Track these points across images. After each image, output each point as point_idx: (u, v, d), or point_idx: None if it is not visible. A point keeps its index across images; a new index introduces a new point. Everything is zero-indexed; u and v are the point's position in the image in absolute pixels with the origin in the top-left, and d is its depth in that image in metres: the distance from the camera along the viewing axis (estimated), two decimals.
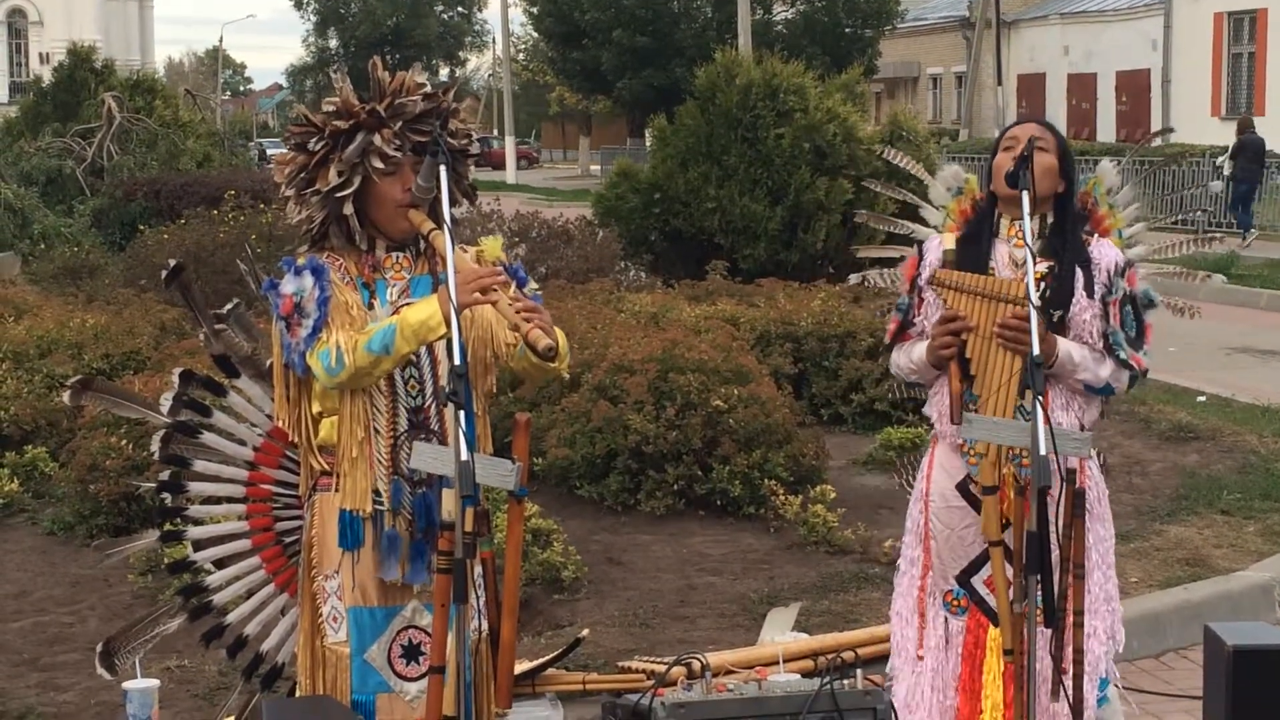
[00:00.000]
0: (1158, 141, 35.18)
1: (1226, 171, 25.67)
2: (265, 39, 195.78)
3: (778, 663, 5.47)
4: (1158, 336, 4.53)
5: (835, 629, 6.17)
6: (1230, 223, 24.78)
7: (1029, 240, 4.16)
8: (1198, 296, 5.18)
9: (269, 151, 42.00)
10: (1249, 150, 25.36)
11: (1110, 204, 4.79)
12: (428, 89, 4.03)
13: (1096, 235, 4.57)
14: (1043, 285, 4.32)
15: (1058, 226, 4.43)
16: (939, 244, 4.54)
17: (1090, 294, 4.36)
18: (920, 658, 4.55)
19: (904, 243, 5.30)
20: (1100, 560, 4.48)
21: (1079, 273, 4.37)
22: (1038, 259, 4.32)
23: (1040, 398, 3.94)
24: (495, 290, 3.81)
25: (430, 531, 4.00)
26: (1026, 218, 4.18)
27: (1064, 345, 4.32)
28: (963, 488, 4.44)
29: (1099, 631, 4.46)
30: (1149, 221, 4.92)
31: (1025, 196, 4.20)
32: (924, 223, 5.03)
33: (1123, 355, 4.37)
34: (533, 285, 4.16)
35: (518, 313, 3.80)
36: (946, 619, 4.50)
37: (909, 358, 4.53)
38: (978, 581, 4.44)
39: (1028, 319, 4.16)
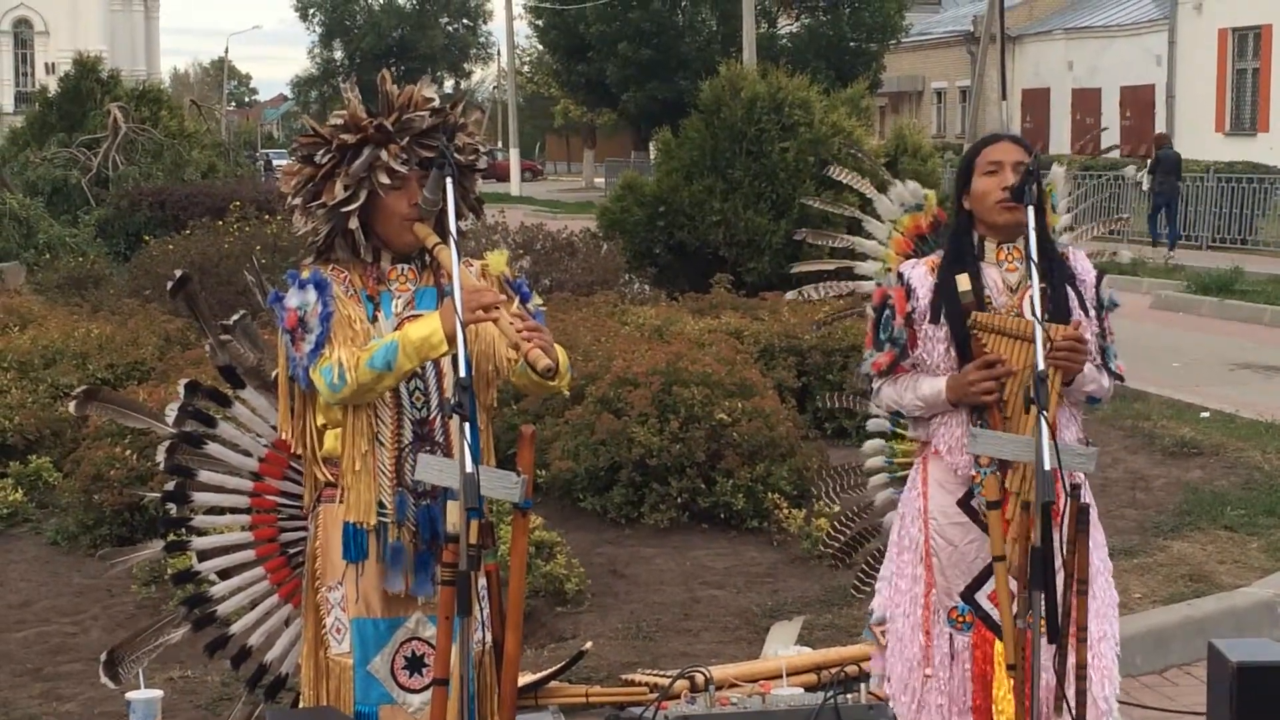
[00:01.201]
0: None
1: (1145, 186, 26.32)
2: (270, 50, 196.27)
3: (781, 676, 5.47)
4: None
5: (839, 643, 6.16)
6: (1159, 234, 25.45)
7: (1032, 255, 4.15)
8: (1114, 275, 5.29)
9: (275, 163, 42.05)
10: (1165, 165, 26.10)
11: (1052, 205, 4.87)
12: (436, 103, 4.04)
13: (1069, 248, 4.62)
14: (1043, 308, 4.33)
15: (1040, 245, 4.42)
16: (924, 273, 4.49)
17: (1086, 311, 4.38)
18: (928, 676, 4.53)
19: (845, 256, 5.36)
20: (1102, 566, 4.48)
21: (1070, 290, 4.39)
22: (1029, 281, 4.33)
23: (1045, 413, 3.94)
24: (497, 308, 3.81)
25: (434, 543, 4.00)
26: (1031, 232, 4.17)
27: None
28: (964, 503, 4.43)
29: (1109, 636, 4.46)
30: (1075, 212, 5.03)
31: (1031, 211, 4.19)
32: (867, 235, 5.06)
33: (1112, 366, 4.44)
34: (536, 301, 4.17)
35: (518, 332, 3.80)
36: (951, 636, 4.48)
37: (915, 394, 4.42)
38: (981, 596, 4.43)
39: (1076, 339, 4.19)
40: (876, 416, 5.41)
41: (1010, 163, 4.33)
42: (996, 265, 4.41)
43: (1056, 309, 4.34)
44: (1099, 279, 4.47)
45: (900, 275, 4.53)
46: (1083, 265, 4.48)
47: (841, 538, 5.85)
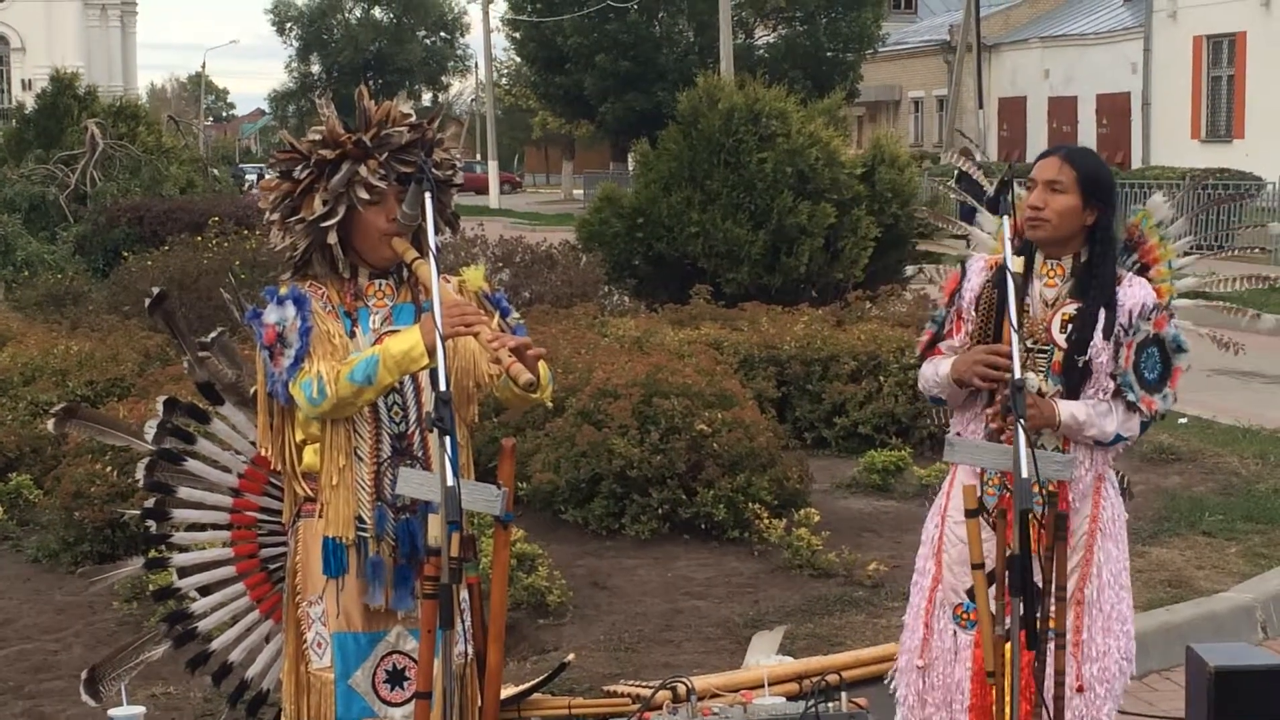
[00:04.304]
0: (1138, 164, 35.37)
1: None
2: (248, 64, 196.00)
3: (763, 686, 5.48)
4: None
5: (820, 652, 6.18)
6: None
7: (1009, 266, 4.16)
8: (1240, 326, 5.17)
9: (267, 175, 41.99)
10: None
11: (1161, 235, 4.79)
12: (413, 119, 4.05)
13: (1131, 274, 4.53)
14: (1069, 328, 4.32)
15: (1088, 265, 4.39)
16: (982, 266, 4.51)
17: (1107, 337, 4.33)
18: (920, 667, 4.57)
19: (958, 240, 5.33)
20: (1112, 580, 4.47)
21: (1102, 315, 4.34)
22: (1068, 299, 4.33)
23: (1022, 421, 3.96)
24: (478, 323, 3.83)
25: (414, 558, 4.01)
26: (1007, 244, 4.18)
27: (1065, 409, 4.30)
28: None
29: (1113, 650, 4.47)
30: (1201, 255, 4.93)
31: (1006, 222, 4.21)
32: (980, 227, 5.03)
33: (1131, 398, 4.33)
34: (515, 315, 4.18)
35: (499, 347, 3.81)
36: (955, 632, 4.51)
37: (936, 371, 4.47)
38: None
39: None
40: None
41: (1043, 181, 4.34)
42: (1040, 278, 4.41)
43: (1082, 330, 4.33)
44: (1149, 313, 4.37)
45: (963, 263, 4.60)
46: (1128, 293, 4.39)
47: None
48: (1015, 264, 4.20)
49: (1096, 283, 4.37)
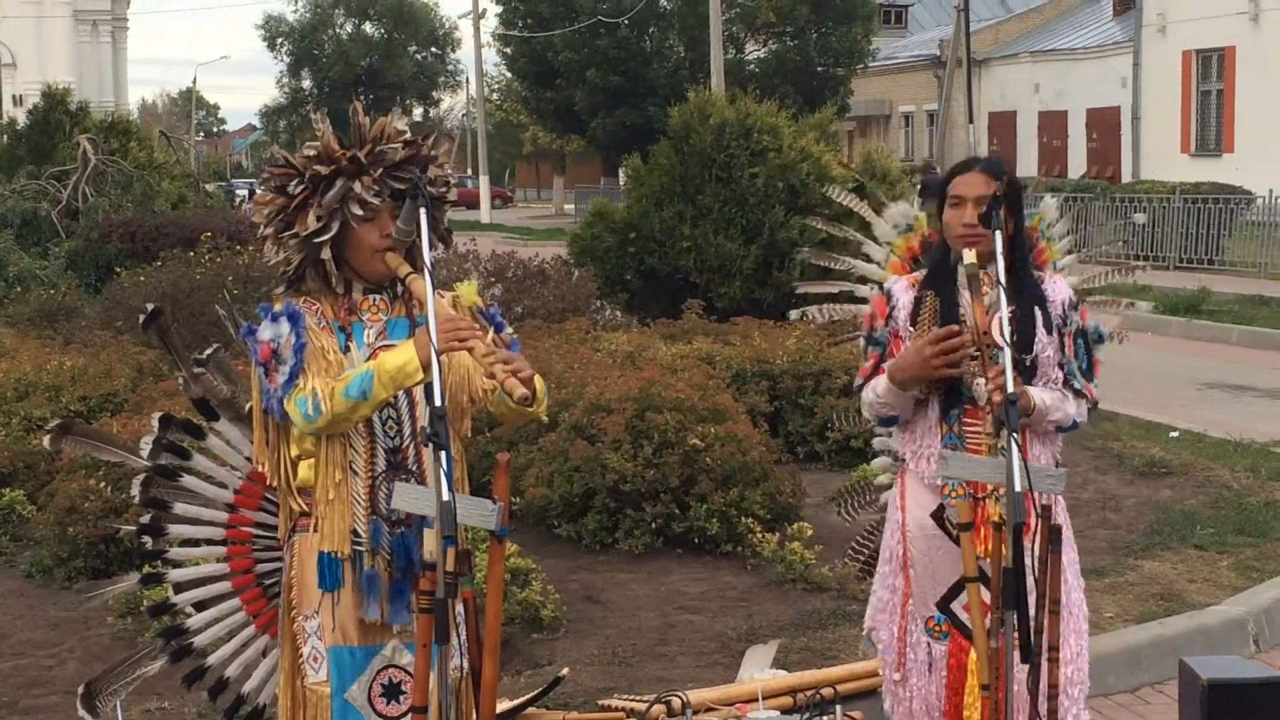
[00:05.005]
0: (1128, 178, 35.44)
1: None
2: (238, 80, 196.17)
3: (757, 700, 5.50)
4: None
5: (813, 665, 6.19)
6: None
7: (1002, 280, 4.20)
8: (1126, 322, 5.34)
9: (259, 192, 42.03)
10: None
11: (1048, 238, 4.93)
12: (408, 135, 4.07)
13: (1049, 274, 4.70)
14: (1010, 330, 4.39)
15: (1011, 270, 4.47)
16: (905, 286, 4.59)
17: (1049, 331, 4.47)
18: (898, 680, 4.60)
19: (843, 279, 5.42)
20: (1076, 582, 4.57)
21: (1038, 312, 4.47)
22: (998, 305, 4.40)
23: (1016, 435, 3.98)
24: (472, 338, 3.84)
25: (409, 571, 4.02)
26: (1000, 258, 4.22)
27: (1036, 394, 4.41)
28: (937, 516, 4.49)
29: (1084, 651, 4.54)
30: (1079, 254, 5.08)
31: (999, 236, 4.25)
32: (867, 258, 5.12)
33: (1077, 385, 4.49)
34: (509, 330, 4.20)
35: (494, 362, 3.82)
36: (929, 645, 4.55)
37: (875, 389, 4.58)
38: (957, 606, 4.50)
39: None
40: (881, 435, 5.48)
41: (972, 198, 4.41)
42: (968, 289, 4.46)
43: (1023, 331, 4.41)
44: (1075, 304, 4.54)
45: (883, 286, 4.70)
46: (1055, 288, 4.55)
47: (862, 556, 5.91)
48: (999, 274, 4.28)
49: (1025, 284, 4.48)
